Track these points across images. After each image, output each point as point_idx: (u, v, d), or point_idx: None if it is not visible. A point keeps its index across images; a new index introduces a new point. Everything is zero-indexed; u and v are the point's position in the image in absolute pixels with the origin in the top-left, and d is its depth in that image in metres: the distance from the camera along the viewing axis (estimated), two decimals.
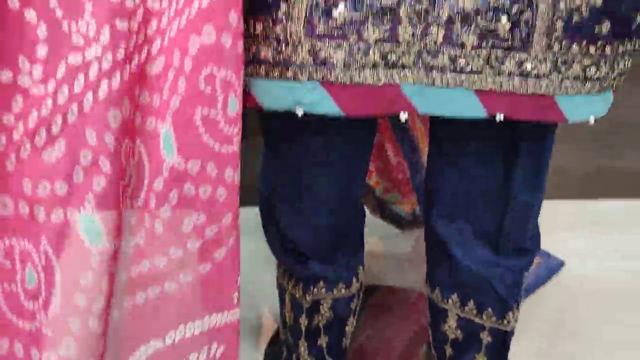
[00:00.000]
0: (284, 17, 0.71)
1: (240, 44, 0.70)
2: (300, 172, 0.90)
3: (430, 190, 0.94)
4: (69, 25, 0.63)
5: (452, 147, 0.89)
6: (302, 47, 0.72)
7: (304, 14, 0.71)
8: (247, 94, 0.76)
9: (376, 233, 1.52)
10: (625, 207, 1.73)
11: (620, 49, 0.76)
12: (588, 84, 0.76)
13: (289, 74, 0.73)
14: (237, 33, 0.69)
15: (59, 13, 0.63)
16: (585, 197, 1.75)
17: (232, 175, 0.73)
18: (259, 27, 0.73)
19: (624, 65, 0.79)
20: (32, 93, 0.64)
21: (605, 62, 0.76)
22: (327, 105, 0.74)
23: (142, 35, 0.66)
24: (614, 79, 0.79)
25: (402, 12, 0.71)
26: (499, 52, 0.73)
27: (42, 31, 0.63)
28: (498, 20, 0.71)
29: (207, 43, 0.68)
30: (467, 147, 0.88)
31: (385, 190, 1.44)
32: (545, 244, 1.09)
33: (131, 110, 0.67)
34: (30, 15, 0.62)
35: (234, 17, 0.69)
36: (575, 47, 0.73)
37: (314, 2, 0.70)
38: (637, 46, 0.78)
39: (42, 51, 0.63)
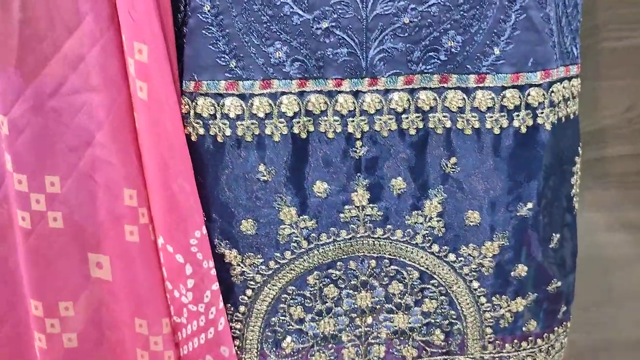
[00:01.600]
0: (238, 350, 0.78)
1: None
2: None
3: None
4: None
5: None
6: None
7: (255, 346, 0.78)
8: None
9: None
10: None
11: (552, 337, 0.82)
12: None
13: None
14: None
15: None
16: None
17: None
18: None
19: (560, 345, 0.85)
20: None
21: (541, 351, 0.82)
22: None
23: None
24: (554, 357, 0.85)
25: (345, 337, 0.78)
26: (439, 358, 0.79)
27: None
28: (432, 333, 0.78)
29: None
30: None
31: None
32: None
33: None
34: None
35: None
36: (508, 345, 0.80)
37: (264, 337, 0.77)
38: (567, 329, 0.85)
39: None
